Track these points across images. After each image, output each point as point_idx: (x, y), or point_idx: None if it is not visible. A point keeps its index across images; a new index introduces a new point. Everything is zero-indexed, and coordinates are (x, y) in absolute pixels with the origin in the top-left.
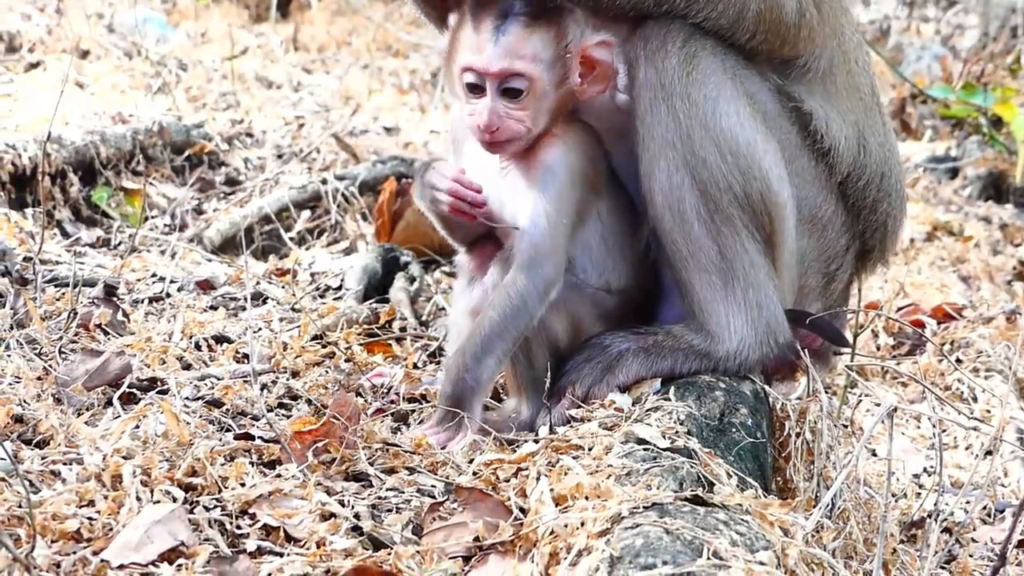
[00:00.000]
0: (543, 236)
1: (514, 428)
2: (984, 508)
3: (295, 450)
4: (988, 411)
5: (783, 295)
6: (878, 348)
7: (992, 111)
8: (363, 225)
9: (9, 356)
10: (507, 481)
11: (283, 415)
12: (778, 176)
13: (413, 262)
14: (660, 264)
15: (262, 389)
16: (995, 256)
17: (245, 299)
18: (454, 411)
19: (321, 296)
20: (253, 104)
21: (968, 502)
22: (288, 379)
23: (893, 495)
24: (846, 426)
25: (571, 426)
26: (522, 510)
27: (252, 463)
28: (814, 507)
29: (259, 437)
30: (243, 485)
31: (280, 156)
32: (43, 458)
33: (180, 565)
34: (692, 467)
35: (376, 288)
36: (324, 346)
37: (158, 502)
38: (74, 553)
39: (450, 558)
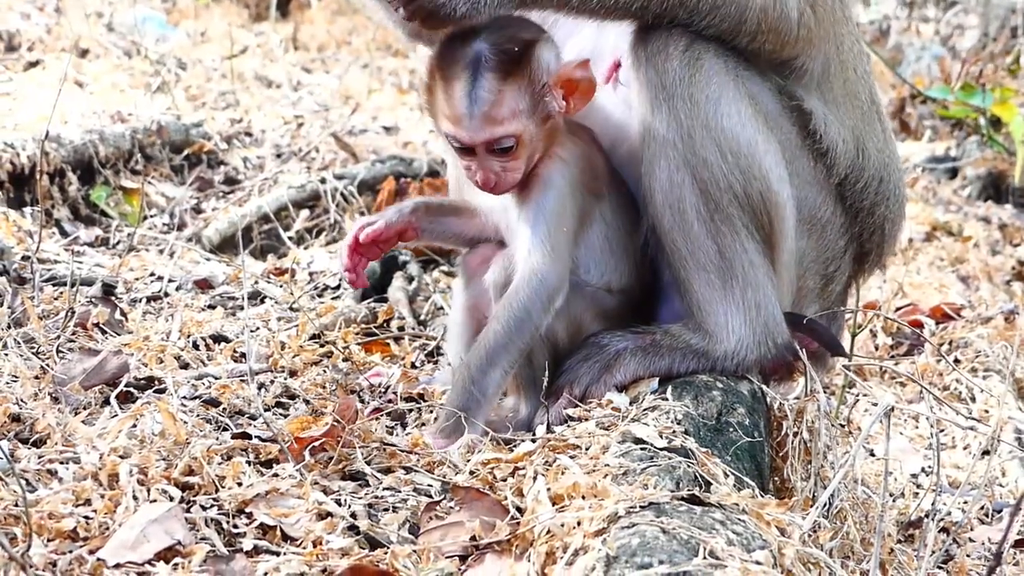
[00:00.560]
0: (545, 248)
1: (511, 427)
2: (982, 508)
3: (292, 450)
4: (986, 411)
5: (782, 295)
6: (876, 348)
7: (991, 111)
8: None
9: (6, 355)
10: (504, 480)
11: (280, 414)
12: (778, 176)
13: (411, 261)
14: (659, 263)
15: (259, 388)
16: (994, 256)
17: (243, 298)
18: (457, 421)
19: (319, 295)
20: (252, 103)
21: (966, 502)
22: (286, 378)
23: (891, 495)
24: (843, 426)
25: (568, 425)
26: (519, 509)
27: (249, 462)
28: (811, 507)
29: (256, 436)
30: (240, 484)
31: (279, 155)
32: (40, 457)
33: (176, 564)
34: (689, 467)
35: (375, 287)
36: (322, 345)
37: (155, 501)
38: (70, 552)
39: (446, 557)
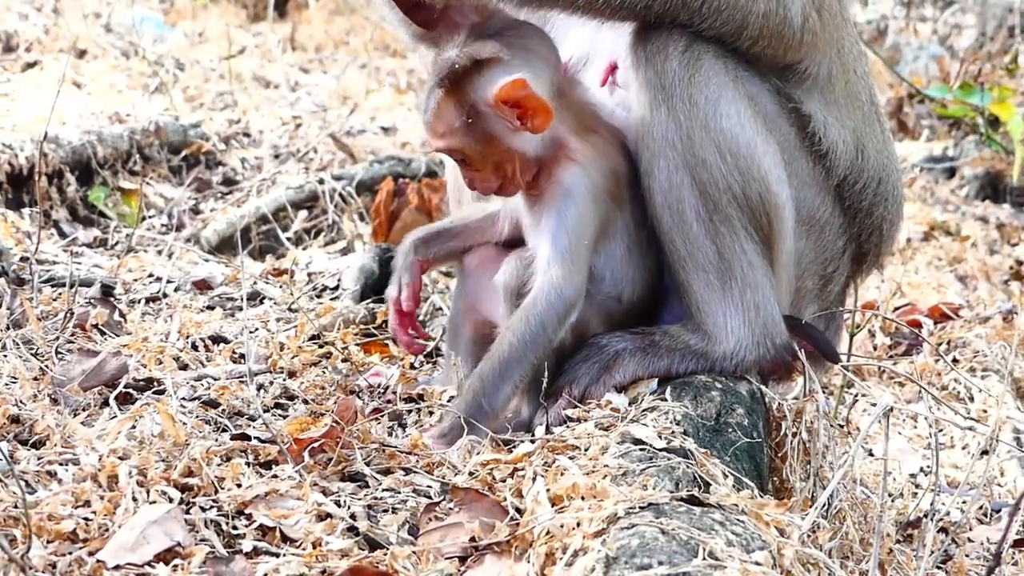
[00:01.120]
0: (565, 261)
1: (511, 428)
2: (980, 508)
3: (292, 451)
4: (984, 411)
5: (780, 296)
6: (875, 348)
7: (989, 111)
8: (360, 225)
9: (5, 356)
10: (503, 481)
11: (280, 415)
12: (777, 177)
13: None
14: (661, 264)
15: (259, 389)
16: (992, 256)
17: (242, 299)
18: (461, 429)
19: (318, 296)
20: (250, 104)
21: (964, 502)
22: (285, 379)
23: (889, 495)
24: (842, 426)
25: (568, 426)
26: (518, 510)
27: (248, 463)
28: (810, 507)
29: (255, 438)
30: (239, 486)
31: (277, 156)
32: (39, 458)
33: (176, 566)
34: (688, 467)
35: (373, 288)
36: (321, 346)
37: (154, 502)
38: (70, 554)
39: (446, 558)
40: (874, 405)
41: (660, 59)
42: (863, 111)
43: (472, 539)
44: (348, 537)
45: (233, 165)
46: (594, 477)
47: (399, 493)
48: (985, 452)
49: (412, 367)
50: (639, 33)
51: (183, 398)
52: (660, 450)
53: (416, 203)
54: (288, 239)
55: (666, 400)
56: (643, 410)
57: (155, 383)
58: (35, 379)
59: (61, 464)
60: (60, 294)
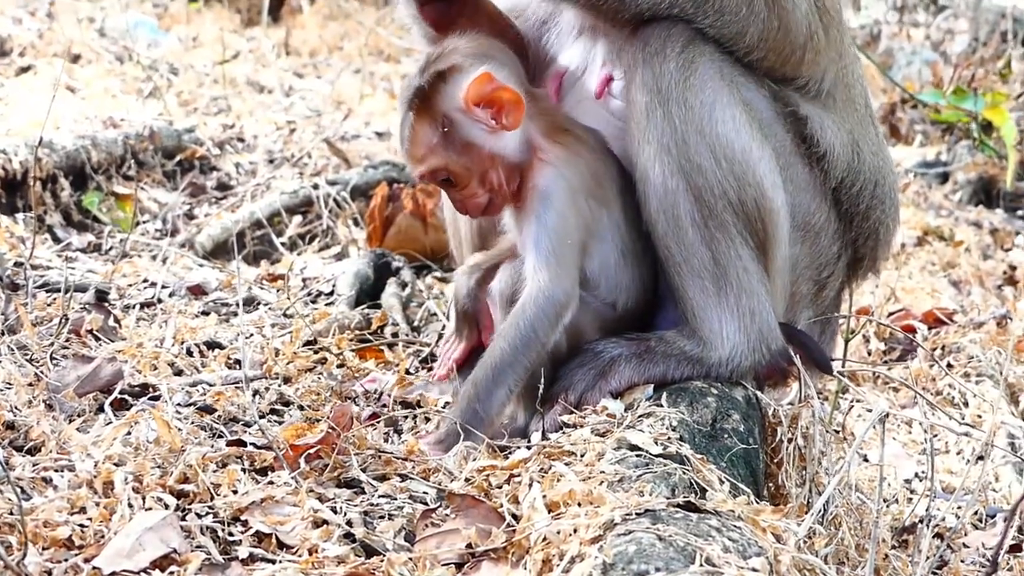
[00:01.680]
0: (548, 263)
1: (507, 434)
2: (975, 513)
3: (288, 457)
4: (979, 416)
5: (776, 302)
6: (869, 353)
7: (983, 116)
8: (355, 230)
9: (0, 362)
10: (500, 488)
11: (275, 421)
12: (772, 183)
13: (405, 267)
14: (656, 271)
15: (254, 395)
16: (985, 261)
17: (238, 305)
18: (457, 436)
19: (313, 301)
20: (244, 109)
21: (959, 507)
22: (280, 385)
23: (884, 501)
24: (837, 431)
25: (564, 432)
26: (515, 516)
27: (244, 470)
28: (806, 513)
29: (251, 443)
30: (235, 492)
31: (271, 161)
32: (34, 465)
33: (172, 572)
34: (684, 473)
35: (368, 293)
36: (316, 352)
37: (150, 509)
38: (66, 560)
39: (443, 565)
40: (869, 411)
41: (658, 60)
42: (859, 114)
43: (469, 545)
44: (344, 543)
45: (227, 170)
46: (590, 483)
47: (395, 499)
48: (980, 457)
49: (408, 372)
50: (638, 33)
51: (178, 404)
52: (656, 456)
53: (411, 208)
54: (283, 244)
55: (662, 406)
56: (639, 416)
57: (150, 389)
58: (30, 385)
59: (56, 470)
60: (55, 299)
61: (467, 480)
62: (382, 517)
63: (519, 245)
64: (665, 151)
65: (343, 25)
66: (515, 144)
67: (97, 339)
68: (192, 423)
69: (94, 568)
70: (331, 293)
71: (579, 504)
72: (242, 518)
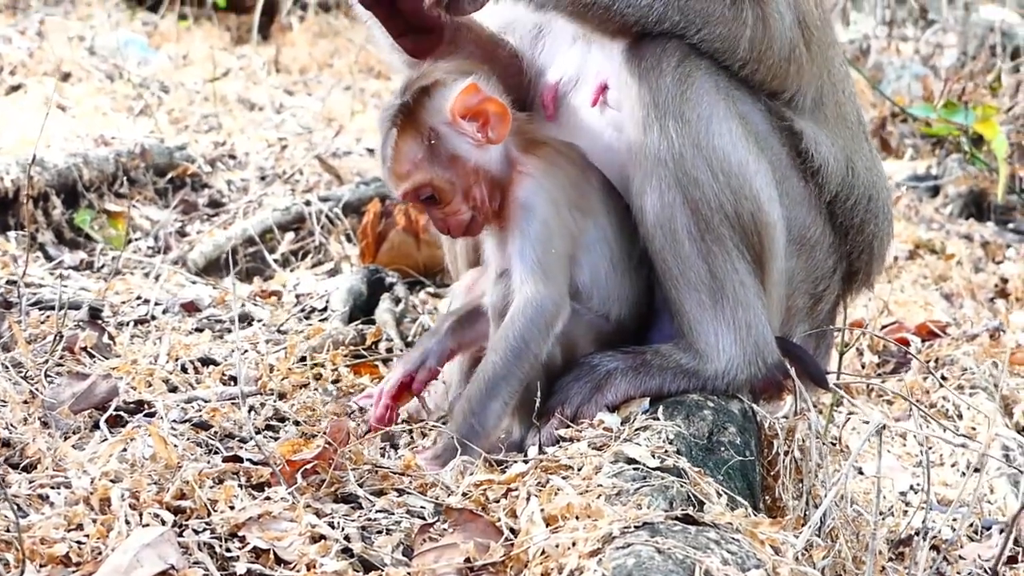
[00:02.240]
0: (536, 275)
1: (504, 448)
2: (971, 525)
3: (284, 473)
4: (973, 428)
5: (771, 315)
6: (863, 366)
7: (973, 129)
8: (347, 247)
9: None
10: (497, 502)
11: (271, 437)
12: (768, 196)
13: (398, 283)
14: (652, 284)
15: (250, 411)
16: (977, 274)
17: (231, 321)
18: (454, 450)
19: (306, 318)
20: (235, 126)
21: (955, 519)
22: (275, 401)
23: (881, 513)
24: (833, 443)
25: (560, 446)
26: (512, 531)
27: (241, 485)
28: (803, 525)
29: (247, 459)
30: (232, 508)
31: (263, 178)
32: (31, 482)
33: None
34: (682, 486)
35: (361, 309)
36: (311, 368)
37: (147, 525)
38: None
39: None
40: (865, 423)
41: (654, 75)
42: (852, 130)
43: (467, 560)
44: (342, 559)
45: (219, 187)
46: (588, 497)
47: (393, 514)
48: (976, 469)
49: None
50: (633, 50)
51: (174, 420)
52: (653, 469)
53: (403, 224)
54: (275, 261)
55: (658, 419)
56: (636, 429)
57: (145, 405)
58: (25, 402)
59: (53, 487)
60: (48, 317)
61: (464, 494)
62: (380, 532)
63: (505, 260)
64: (662, 165)
65: (333, 42)
66: (498, 158)
67: (92, 356)
68: (188, 439)
69: None
70: (324, 309)
71: (577, 517)
72: (239, 534)
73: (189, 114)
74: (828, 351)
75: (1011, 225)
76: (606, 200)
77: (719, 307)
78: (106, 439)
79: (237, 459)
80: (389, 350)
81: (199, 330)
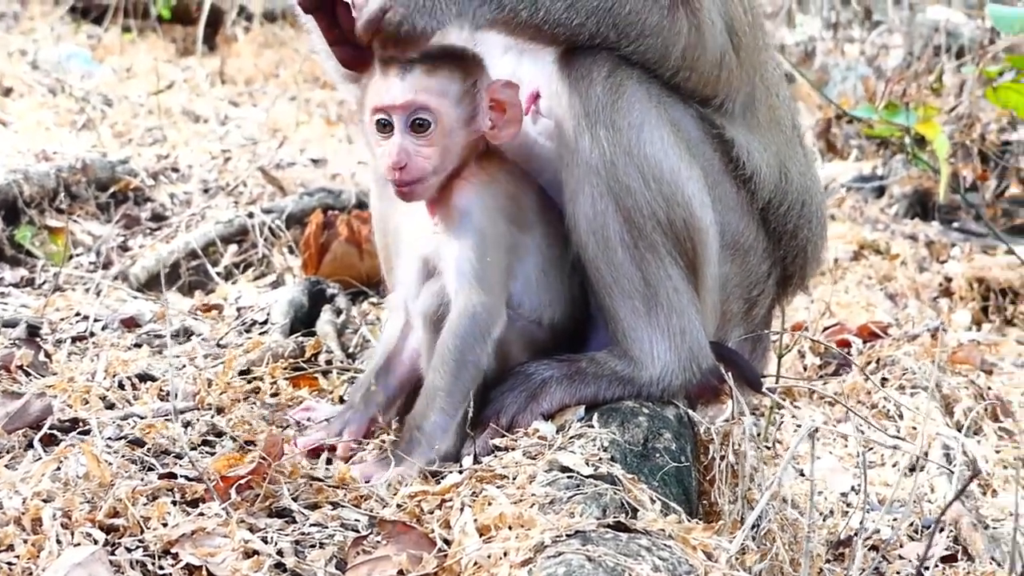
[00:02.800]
0: (472, 284)
1: (439, 460)
2: (911, 525)
3: (218, 488)
4: (914, 428)
5: (706, 321)
6: (805, 368)
7: (915, 130)
8: (290, 258)
9: None
10: (431, 513)
11: (208, 452)
12: (701, 202)
13: (340, 295)
14: (586, 291)
15: (185, 427)
16: (921, 273)
17: (167, 336)
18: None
19: (247, 331)
20: (180, 138)
21: (895, 519)
22: (213, 416)
23: (821, 514)
24: (769, 447)
25: (495, 456)
26: (446, 541)
27: (175, 502)
28: (739, 530)
29: (182, 476)
30: (165, 525)
31: (206, 190)
32: None
33: None
34: (616, 494)
35: (303, 321)
36: (250, 382)
37: (79, 544)
38: None
39: None
40: (798, 426)
41: (585, 84)
42: (786, 135)
43: (400, 572)
44: (276, 573)
45: (162, 201)
46: (521, 506)
47: (326, 527)
48: (912, 469)
49: (342, 400)
50: (564, 59)
51: (109, 438)
52: (587, 477)
53: (346, 235)
54: (218, 274)
55: (593, 427)
56: (570, 437)
57: (80, 423)
58: None
59: None
60: None
61: (399, 506)
62: (313, 546)
63: (439, 266)
64: (594, 173)
65: (278, 53)
66: (475, 151)
67: (28, 375)
68: (123, 457)
69: None
70: (266, 322)
71: (510, 527)
72: (172, 551)
73: (133, 127)
74: (765, 354)
75: (956, 224)
76: (542, 211)
77: (653, 314)
78: (39, 458)
79: (171, 475)
80: (329, 362)
81: (138, 346)
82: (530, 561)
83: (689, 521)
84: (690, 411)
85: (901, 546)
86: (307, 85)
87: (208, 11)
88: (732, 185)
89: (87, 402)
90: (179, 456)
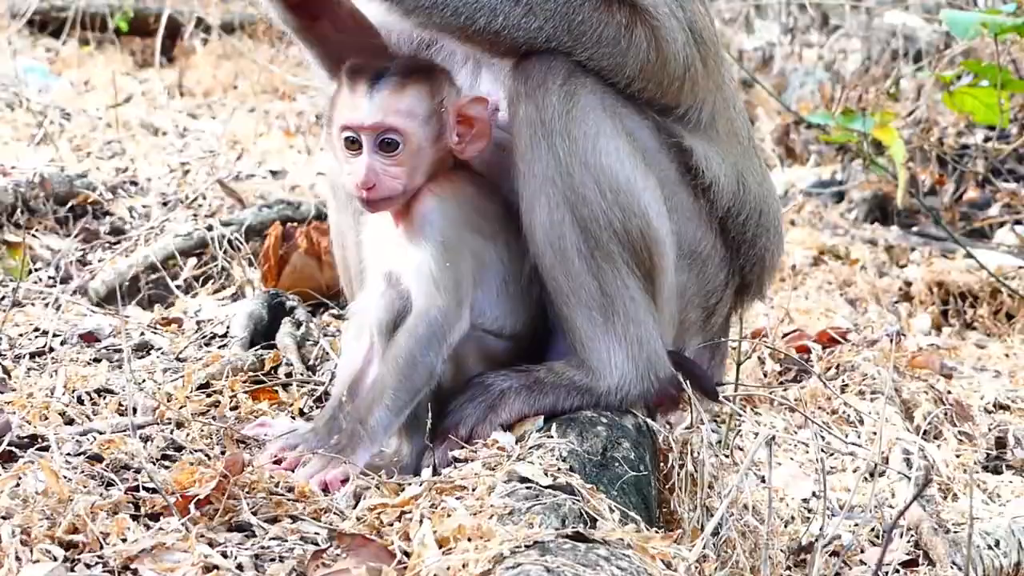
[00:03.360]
0: (430, 289)
1: (396, 471)
2: (872, 530)
3: (178, 503)
4: (875, 433)
5: (664, 330)
6: (765, 375)
7: (872, 136)
8: (250, 271)
9: None
10: (391, 525)
11: (167, 466)
12: (657, 212)
13: (299, 307)
14: (544, 301)
15: (145, 441)
16: (881, 278)
17: (128, 351)
18: (337, 457)
19: (207, 344)
20: (138, 151)
21: (855, 525)
22: (172, 430)
23: (782, 521)
24: (728, 455)
25: (455, 467)
26: (406, 554)
27: (135, 517)
28: (699, 538)
29: (143, 489)
30: (124, 540)
31: (165, 204)
32: None
33: None
34: (574, 504)
35: (263, 334)
36: (209, 395)
37: (38, 561)
38: None
39: None
40: (755, 434)
41: (540, 93)
42: (743, 145)
43: None
44: None
45: (121, 214)
46: (480, 517)
47: (286, 541)
48: (871, 474)
49: (302, 413)
50: (520, 68)
51: (68, 453)
52: (546, 487)
53: (305, 247)
54: (178, 287)
55: (552, 437)
56: (529, 448)
57: (40, 439)
58: None
59: None
60: None
61: (358, 519)
62: (273, 559)
63: (399, 273)
64: (550, 183)
65: (236, 64)
66: (444, 165)
67: None
68: (82, 472)
69: None
70: (225, 335)
71: (469, 539)
72: (132, 566)
73: (91, 141)
74: (723, 362)
75: (915, 229)
76: (504, 221)
77: (610, 324)
78: None
79: (132, 490)
80: (289, 375)
81: (97, 360)
82: (489, 572)
83: (648, 530)
84: (649, 420)
85: (862, 551)
86: (265, 97)
87: (166, 23)
88: (690, 194)
89: (46, 418)
90: (139, 471)
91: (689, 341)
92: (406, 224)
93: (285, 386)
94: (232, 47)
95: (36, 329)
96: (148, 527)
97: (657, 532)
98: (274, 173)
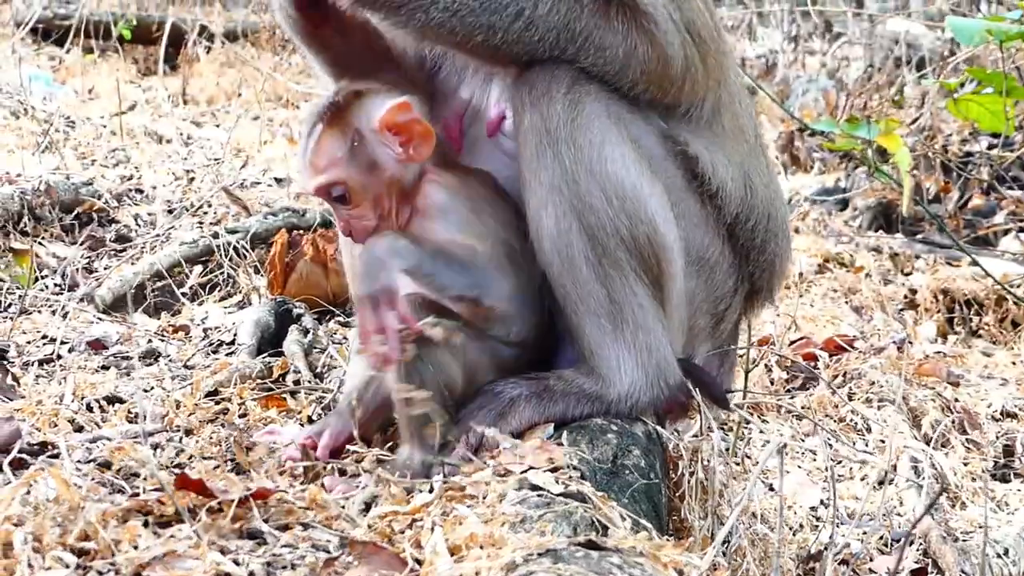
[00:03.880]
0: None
1: (408, 478)
2: (881, 538)
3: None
4: (882, 441)
5: (673, 337)
6: (772, 382)
7: (877, 143)
8: (256, 278)
9: None
10: (402, 533)
11: (177, 474)
12: (664, 219)
13: (306, 314)
14: (552, 309)
15: (154, 449)
16: (886, 285)
17: (136, 358)
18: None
19: (214, 352)
20: (143, 159)
21: (865, 533)
22: (181, 437)
23: (790, 529)
24: (738, 463)
25: (465, 475)
26: (418, 561)
27: (146, 524)
28: (710, 546)
29: (155, 498)
30: (136, 548)
31: (171, 211)
32: None
33: None
34: (586, 512)
35: (270, 342)
36: (218, 403)
37: (50, 568)
38: None
39: None
40: (767, 442)
41: (544, 102)
42: (749, 144)
43: None
44: None
45: (126, 222)
46: (492, 525)
47: (298, 549)
48: (881, 482)
49: (310, 420)
50: (523, 78)
51: (78, 461)
52: (557, 495)
53: (311, 254)
54: (184, 295)
55: (562, 444)
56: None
57: (50, 447)
58: None
59: None
60: None
61: (370, 526)
62: (285, 567)
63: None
64: (556, 192)
65: (240, 72)
66: (412, 177)
67: None
68: (92, 480)
69: None
70: (232, 342)
71: (481, 546)
72: (144, 573)
73: (96, 148)
74: (732, 369)
75: (920, 236)
76: (514, 229)
77: (619, 331)
78: (9, 482)
79: (135, 496)
80: (297, 382)
81: (105, 368)
82: None
83: (659, 538)
84: (659, 427)
85: (871, 560)
86: (270, 104)
87: (169, 31)
88: (696, 201)
89: (55, 425)
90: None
91: (698, 348)
92: (420, 217)
93: (293, 393)
94: (235, 55)
95: (44, 336)
96: (158, 535)
97: (668, 540)
98: (279, 181)
